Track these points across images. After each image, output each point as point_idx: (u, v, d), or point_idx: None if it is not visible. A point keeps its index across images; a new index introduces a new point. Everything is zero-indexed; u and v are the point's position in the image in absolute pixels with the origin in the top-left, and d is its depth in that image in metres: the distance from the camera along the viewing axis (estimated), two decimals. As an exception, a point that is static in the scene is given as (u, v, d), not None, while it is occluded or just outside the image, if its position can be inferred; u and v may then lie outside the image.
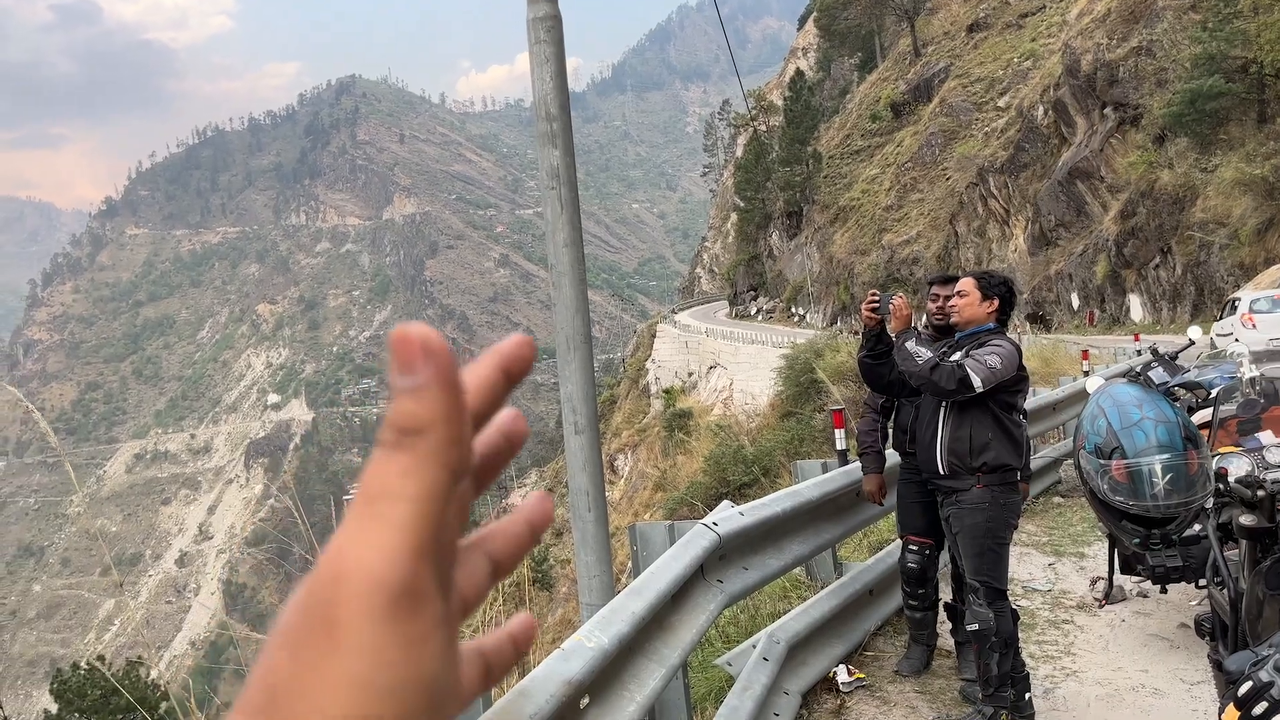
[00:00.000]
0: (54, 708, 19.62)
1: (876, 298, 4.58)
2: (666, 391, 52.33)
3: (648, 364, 63.89)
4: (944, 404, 4.39)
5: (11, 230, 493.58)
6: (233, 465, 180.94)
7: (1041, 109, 39.61)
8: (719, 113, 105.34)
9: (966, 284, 4.49)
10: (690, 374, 54.33)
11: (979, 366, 4.15)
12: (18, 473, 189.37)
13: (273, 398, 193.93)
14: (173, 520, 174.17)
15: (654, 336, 66.26)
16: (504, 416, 0.54)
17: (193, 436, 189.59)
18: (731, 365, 45.64)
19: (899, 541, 5.12)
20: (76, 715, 18.97)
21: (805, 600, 5.21)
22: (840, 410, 6.90)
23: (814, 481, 5.10)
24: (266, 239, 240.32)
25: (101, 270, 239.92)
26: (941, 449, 4.38)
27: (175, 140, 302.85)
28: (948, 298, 4.68)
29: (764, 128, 66.72)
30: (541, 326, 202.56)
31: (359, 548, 0.38)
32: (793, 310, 58.96)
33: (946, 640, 5.20)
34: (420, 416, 0.38)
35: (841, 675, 4.82)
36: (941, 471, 4.39)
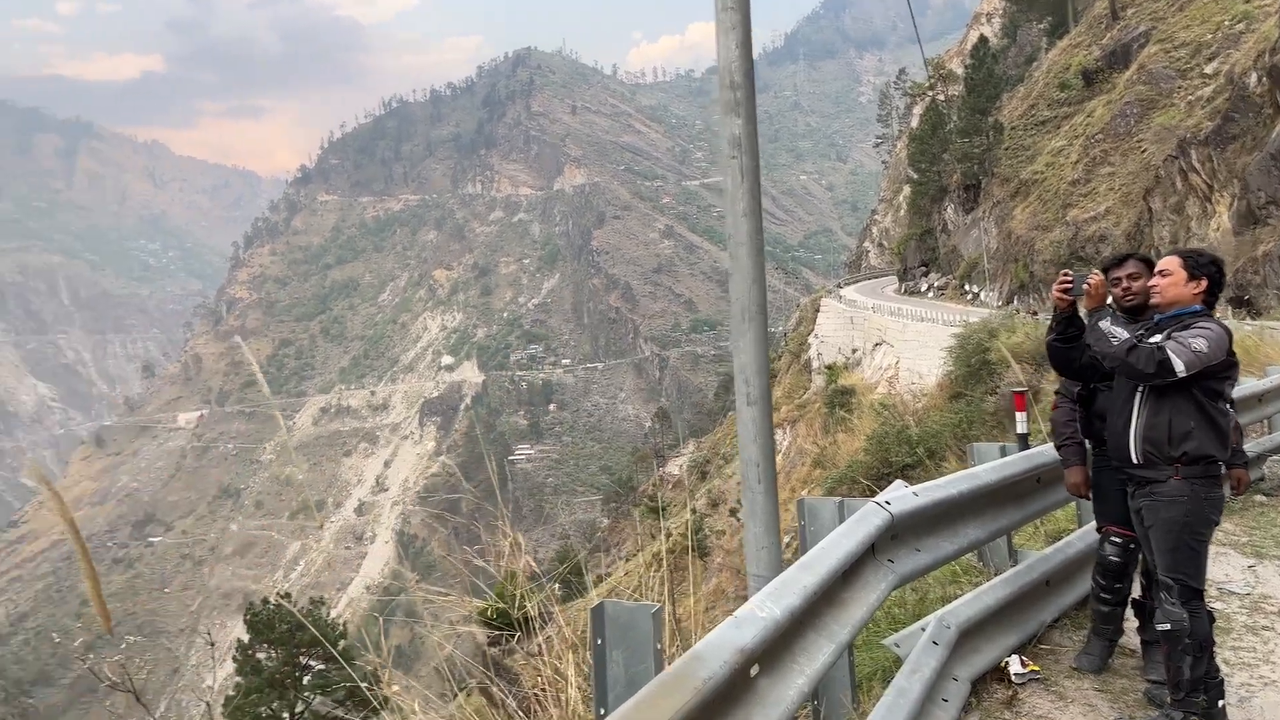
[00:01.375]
0: (246, 637, 21.30)
1: (1069, 278, 4.35)
2: (829, 368, 51.50)
3: (810, 339, 62.93)
4: (1140, 388, 4.15)
5: (219, 196, 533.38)
6: (408, 422, 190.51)
7: (1255, 76, 36.30)
8: (895, 82, 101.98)
9: (1170, 263, 4.23)
10: (854, 350, 53.23)
11: (1182, 349, 3.95)
12: (220, 420, 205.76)
13: (446, 359, 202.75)
14: (353, 471, 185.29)
15: (817, 311, 65.20)
16: None
17: (373, 393, 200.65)
18: (898, 343, 44.41)
19: (1078, 531, 4.88)
20: (265, 645, 20.54)
21: (977, 586, 5.05)
22: (1022, 392, 6.63)
23: (993, 465, 4.93)
24: (444, 207, 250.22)
25: (295, 234, 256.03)
26: (1135, 436, 4.15)
27: (364, 111, 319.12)
28: (1130, 277, 4.44)
29: (942, 97, 64.12)
30: (704, 298, 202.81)
31: None
32: (966, 288, 56.70)
33: (1129, 638, 4.92)
34: None
35: (1014, 666, 4.64)
36: (1135, 460, 4.16)
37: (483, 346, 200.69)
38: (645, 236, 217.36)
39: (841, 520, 3.75)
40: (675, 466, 74.00)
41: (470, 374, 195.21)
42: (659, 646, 2.82)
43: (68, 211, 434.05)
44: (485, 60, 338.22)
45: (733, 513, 41.77)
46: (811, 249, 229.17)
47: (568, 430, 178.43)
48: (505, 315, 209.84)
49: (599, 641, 2.89)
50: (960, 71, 61.56)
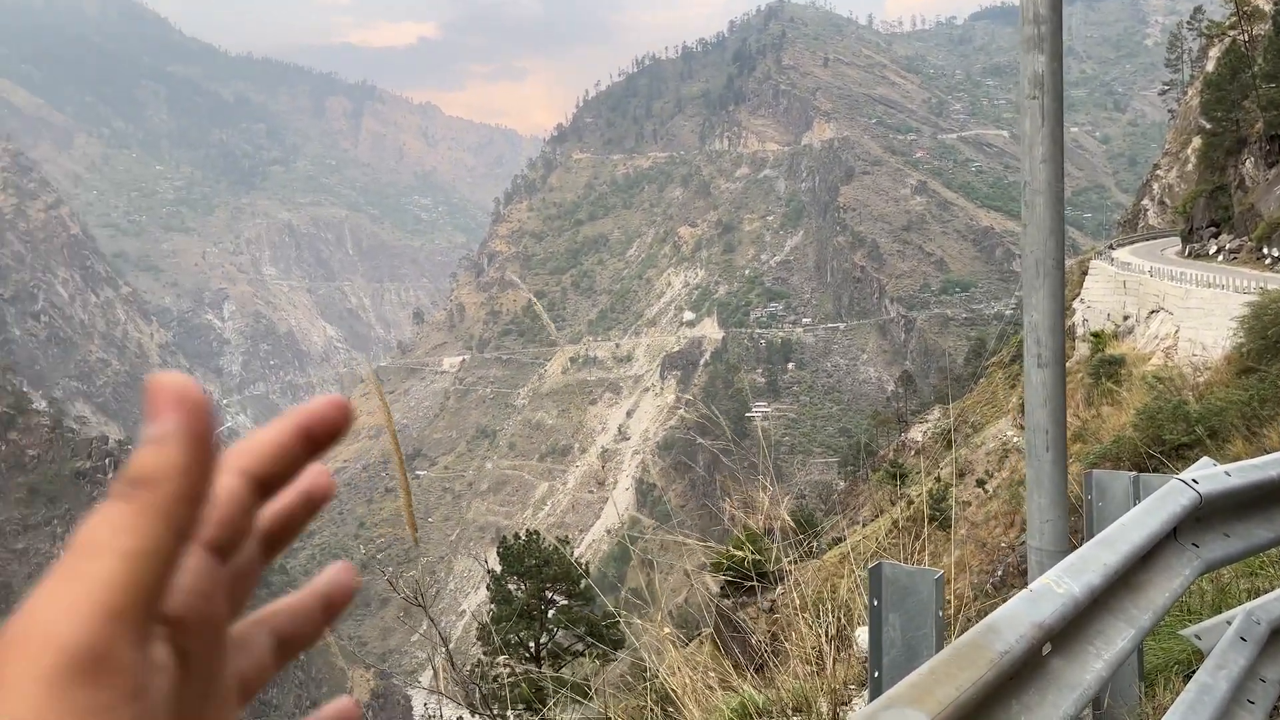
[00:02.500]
0: (498, 568, 22.88)
1: None
2: (1095, 335, 47.81)
3: (1074, 303, 58.60)
4: None
5: (483, 154, 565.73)
6: (650, 375, 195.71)
7: None
8: (1189, 21, 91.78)
9: None
10: (1126, 318, 49.07)
11: None
12: (479, 365, 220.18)
13: (688, 315, 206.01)
14: (597, 419, 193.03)
15: (1085, 274, 60.53)
16: (308, 475, 0.57)
17: (617, 346, 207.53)
18: (1179, 310, 40.47)
19: None
20: (515, 577, 21.99)
21: None
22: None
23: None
24: (691, 164, 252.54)
25: (551, 191, 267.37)
26: None
27: (617, 70, 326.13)
28: None
29: (1245, 37, 57.03)
30: (956, 258, 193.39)
31: (47, 606, 0.36)
32: (1264, 251, 50.62)
33: None
34: (153, 468, 0.37)
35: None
36: None
37: (723, 303, 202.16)
38: (895, 193, 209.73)
39: (1136, 498, 3.54)
40: (918, 433, 71.57)
41: (710, 330, 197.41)
42: (939, 613, 2.75)
43: (354, 168, 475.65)
44: (737, 15, 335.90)
45: (980, 484, 39.94)
46: (1080, 207, 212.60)
47: (806, 390, 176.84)
48: (747, 272, 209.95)
49: (875, 603, 2.85)
50: (1268, 8, 54.47)
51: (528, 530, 24.58)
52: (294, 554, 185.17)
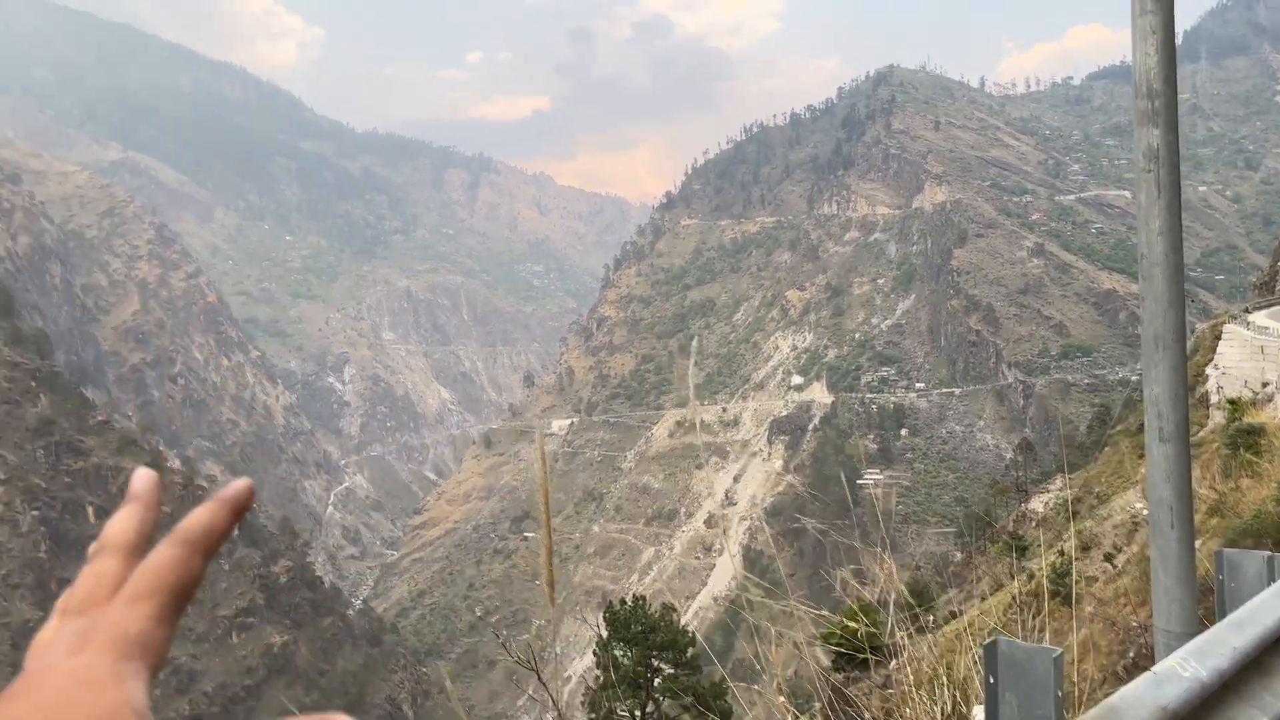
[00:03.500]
0: (605, 633, 22.74)
1: None
2: (1231, 402, 45.28)
3: (1208, 369, 55.77)
4: None
5: (593, 221, 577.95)
6: (757, 439, 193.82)
7: None
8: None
9: None
10: (1264, 385, 46.38)
11: None
12: (587, 428, 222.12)
13: (796, 379, 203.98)
14: (704, 484, 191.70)
15: (1218, 339, 57.64)
16: (228, 488, 0.94)
17: (724, 410, 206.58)
18: (1323, 377, 38.10)
19: None
20: (621, 643, 21.82)
21: None
22: None
23: None
24: (799, 228, 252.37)
25: (659, 256, 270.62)
26: None
27: (726, 138, 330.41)
28: None
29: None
30: (1077, 322, 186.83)
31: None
32: None
33: None
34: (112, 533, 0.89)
35: None
36: None
37: (833, 367, 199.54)
38: (1011, 255, 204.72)
39: (1272, 578, 3.42)
40: (1040, 503, 68.69)
41: (819, 394, 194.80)
42: (1059, 693, 2.61)
43: (470, 237, 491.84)
44: (845, 81, 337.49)
45: (1108, 558, 37.96)
46: (1212, 269, 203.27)
47: (920, 457, 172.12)
48: (857, 336, 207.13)
49: (991, 680, 2.72)
50: None
51: (634, 595, 24.41)
52: (406, 614, 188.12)
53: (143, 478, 1.04)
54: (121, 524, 1.01)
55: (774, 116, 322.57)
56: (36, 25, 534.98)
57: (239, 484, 0.96)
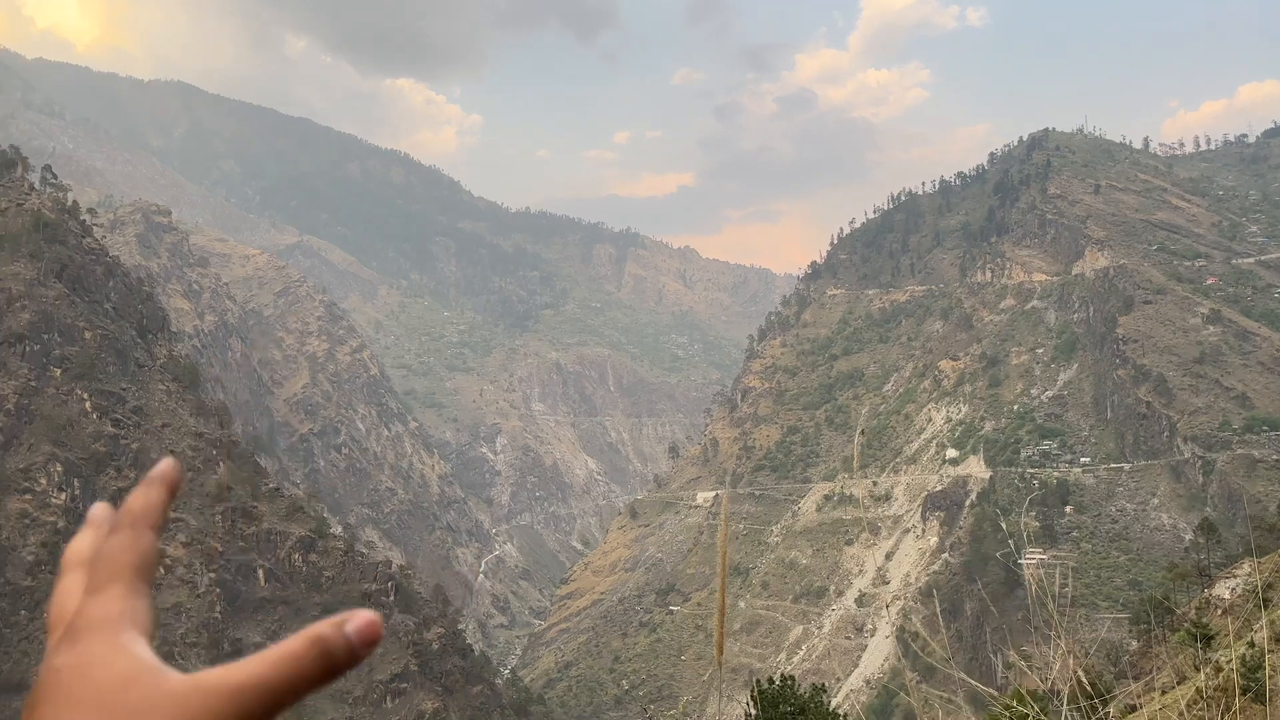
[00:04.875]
0: (753, 712, 22.19)
1: None
2: None
3: None
4: None
5: (738, 293, 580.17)
6: (910, 515, 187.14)
7: None
8: None
9: None
10: None
11: None
12: (732, 500, 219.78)
13: (951, 453, 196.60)
14: (854, 561, 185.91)
15: None
16: (156, 467, 1.34)
17: (875, 484, 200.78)
18: None
19: None
20: (770, 724, 21.22)
21: None
22: None
23: None
24: (951, 296, 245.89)
25: (804, 327, 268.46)
26: None
27: (872, 207, 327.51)
28: None
29: None
30: (1261, 393, 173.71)
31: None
32: None
33: None
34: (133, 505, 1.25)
35: None
36: None
37: (990, 440, 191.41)
38: (1184, 322, 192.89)
39: None
40: (1225, 589, 63.43)
41: (976, 469, 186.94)
42: None
43: (616, 310, 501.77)
44: (997, 146, 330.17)
45: (1305, 652, 34.54)
46: None
47: (1087, 536, 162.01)
48: (1015, 408, 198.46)
49: None
50: None
51: (782, 675, 23.77)
52: (552, 685, 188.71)
53: (164, 464, 1.11)
54: (82, 541, 1.11)
55: (922, 184, 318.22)
56: (225, 123, 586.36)
57: (165, 461, 1.00)
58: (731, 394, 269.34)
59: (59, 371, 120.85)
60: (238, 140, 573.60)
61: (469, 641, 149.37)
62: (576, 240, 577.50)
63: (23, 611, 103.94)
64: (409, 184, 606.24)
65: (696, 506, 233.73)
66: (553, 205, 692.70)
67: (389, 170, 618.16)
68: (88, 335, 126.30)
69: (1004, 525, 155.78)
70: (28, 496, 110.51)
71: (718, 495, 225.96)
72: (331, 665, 0.96)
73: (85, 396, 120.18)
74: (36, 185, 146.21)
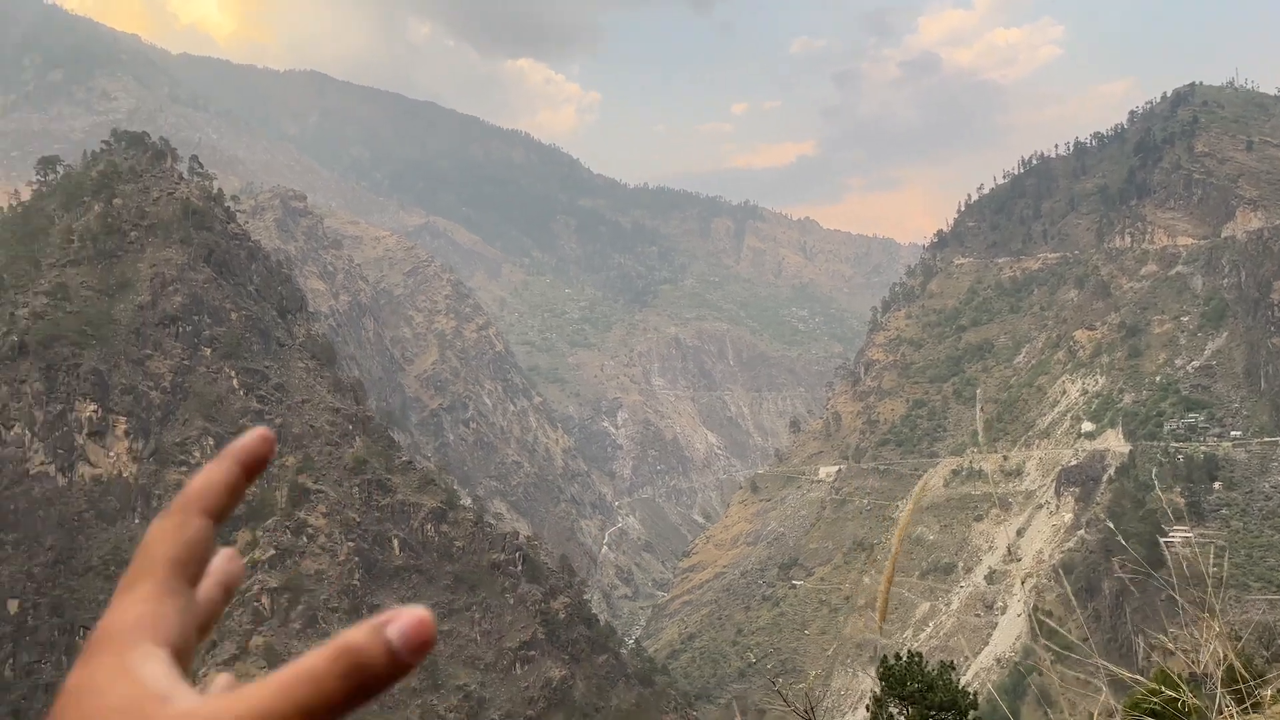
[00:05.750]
0: (877, 689, 21.96)
1: None
2: None
3: None
4: None
5: (861, 264, 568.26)
6: (1043, 491, 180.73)
7: None
8: None
9: None
10: None
11: None
12: (855, 475, 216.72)
13: (1086, 426, 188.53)
14: (983, 537, 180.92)
15: None
16: (221, 561, 1.02)
17: (1005, 458, 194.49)
18: None
19: None
20: (897, 700, 20.97)
21: None
22: None
23: None
24: (1087, 263, 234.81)
25: (930, 298, 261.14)
26: None
27: (1001, 172, 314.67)
28: None
29: None
30: None
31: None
32: None
33: None
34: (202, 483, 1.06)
35: None
36: None
37: (1129, 413, 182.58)
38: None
39: None
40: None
41: (1114, 442, 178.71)
42: None
43: (735, 284, 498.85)
44: (1137, 104, 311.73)
45: None
46: None
47: (1237, 514, 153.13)
48: (1157, 379, 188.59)
49: None
50: None
51: (909, 651, 23.41)
52: (675, 656, 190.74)
53: (248, 435, 0.95)
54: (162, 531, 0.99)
55: (1055, 147, 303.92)
56: (355, 109, 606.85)
57: (253, 432, 0.85)
58: (854, 367, 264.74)
59: (209, 351, 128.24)
60: (367, 126, 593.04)
61: (594, 612, 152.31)
62: (694, 214, 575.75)
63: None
64: (530, 163, 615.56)
65: (819, 481, 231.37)
66: (670, 180, 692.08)
67: (510, 150, 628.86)
68: (233, 316, 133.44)
69: (1145, 501, 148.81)
70: (183, 468, 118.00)
71: (840, 469, 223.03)
72: (366, 682, 0.82)
73: (232, 374, 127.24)
74: (185, 175, 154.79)
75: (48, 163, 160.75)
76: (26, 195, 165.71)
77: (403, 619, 0.77)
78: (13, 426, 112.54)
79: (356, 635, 0.80)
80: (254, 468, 0.91)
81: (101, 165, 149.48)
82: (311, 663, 0.79)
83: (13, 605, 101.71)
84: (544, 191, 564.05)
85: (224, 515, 0.90)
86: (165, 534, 0.93)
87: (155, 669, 0.80)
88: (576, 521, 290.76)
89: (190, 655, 0.79)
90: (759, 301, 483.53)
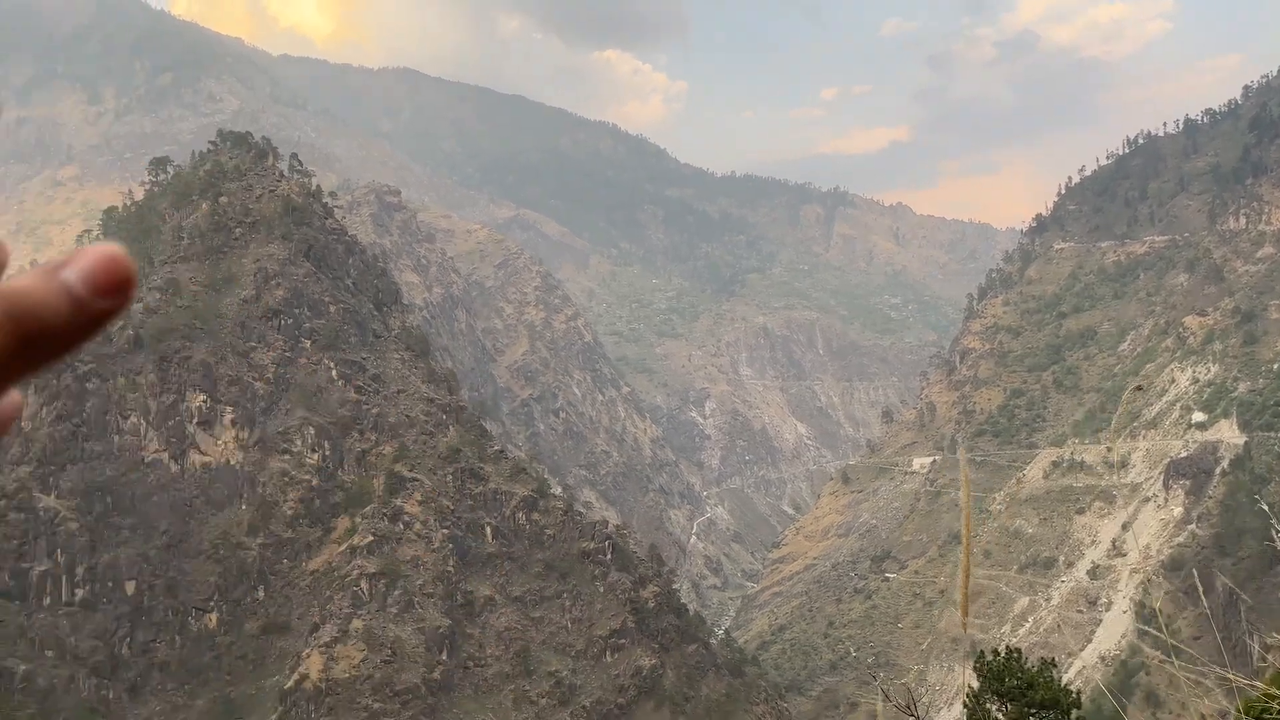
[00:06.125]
0: (974, 684, 21.40)
1: None
2: None
3: None
4: None
5: (955, 250, 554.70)
6: (1150, 483, 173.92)
7: None
8: None
9: None
10: None
11: None
12: (950, 467, 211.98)
13: (1197, 416, 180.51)
14: (1086, 531, 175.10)
15: None
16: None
17: (1109, 449, 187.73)
18: None
19: None
20: (995, 697, 20.39)
21: None
22: None
23: None
24: (1198, 246, 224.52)
25: (1029, 284, 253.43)
26: None
27: (1104, 152, 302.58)
28: None
29: None
30: None
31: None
32: None
33: None
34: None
35: None
36: None
37: (1245, 403, 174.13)
38: None
39: None
40: None
41: (1228, 433, 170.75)
42: None
43: (825, 272, 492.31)
44: (1252, 78, 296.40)
45: None
46: None
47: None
48: (1275, 367, 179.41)
49: None
50: None
51: (1008, 647, 22.77)
52: (766, 647, 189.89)
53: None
54: None
55: (1163, 125, 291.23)
56: (446, 104, 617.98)
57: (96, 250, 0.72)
58: (949, 356, 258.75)
59: (309, 343, 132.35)
60: (458, 120, 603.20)
61: (683, 601, 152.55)
62: (783, 202, 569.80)
63: (284, 560, 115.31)
64: (617, 154, 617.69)
65: (912, 472, 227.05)
66: (758, 168, 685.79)
67: (598, 142, 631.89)
68: (332, 309, 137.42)
69: (1262, 496, 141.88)
70: (286, 456, 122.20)
71: (935, 460, 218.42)
72: (35, 329, 0.70)
73: (331, 365, 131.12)
74: (285, 173, 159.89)
75: (158, 163, 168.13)
76: (140, 195, 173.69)
77: (82, 256, 0.66)
78: (129, 416, 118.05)
79: (19, 280, 0.69)
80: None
81: (208, 165, 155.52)
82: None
83: (130, 586, 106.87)
84: (631, 182, 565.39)
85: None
86: None
87: None
88: (665, 511, 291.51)
89: None
90: (849, 289, 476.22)
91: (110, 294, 0.65)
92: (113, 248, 0.67)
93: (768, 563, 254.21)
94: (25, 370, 0.67)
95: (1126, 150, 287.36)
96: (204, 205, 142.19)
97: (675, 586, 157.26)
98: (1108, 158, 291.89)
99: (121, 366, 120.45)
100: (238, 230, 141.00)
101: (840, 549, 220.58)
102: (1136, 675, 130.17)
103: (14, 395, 0.75)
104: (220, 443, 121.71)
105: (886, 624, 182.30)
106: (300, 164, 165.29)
